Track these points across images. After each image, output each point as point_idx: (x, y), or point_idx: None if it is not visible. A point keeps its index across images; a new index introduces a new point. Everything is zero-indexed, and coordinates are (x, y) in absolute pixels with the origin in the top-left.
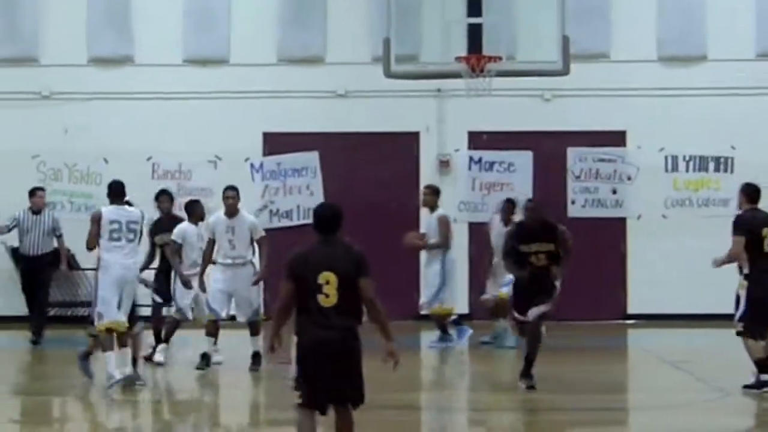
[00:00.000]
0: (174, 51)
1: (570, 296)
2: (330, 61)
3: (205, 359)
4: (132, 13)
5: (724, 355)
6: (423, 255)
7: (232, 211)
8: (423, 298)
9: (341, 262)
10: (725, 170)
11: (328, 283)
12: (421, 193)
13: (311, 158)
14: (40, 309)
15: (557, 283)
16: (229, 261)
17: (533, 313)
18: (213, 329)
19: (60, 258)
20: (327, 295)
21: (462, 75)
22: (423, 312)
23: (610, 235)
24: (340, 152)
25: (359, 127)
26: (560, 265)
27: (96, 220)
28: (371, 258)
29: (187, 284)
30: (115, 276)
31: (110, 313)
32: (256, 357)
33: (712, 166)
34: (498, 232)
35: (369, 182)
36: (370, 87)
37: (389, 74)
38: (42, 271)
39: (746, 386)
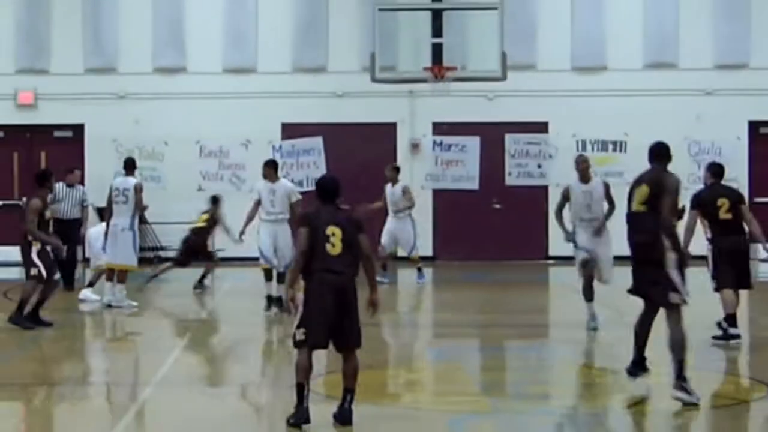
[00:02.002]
0: (215, 62)
1: (507, 242)
2: (331, 70)
3: (270, 302)
4: (185, 34)
5: (623, 287)
6: (390, 217)
7: (272, 179)
8: (405, 248)
9: (344, 221)
10: (621, 150)
11: (334, 235)
12: (386, 171)
13: (317, 142)
14: (71, 260)
15: None
16: (272, 217)
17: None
18: (268, 275)
19: (82, 223)
20: (333, 245)
21: (428, 80)
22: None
23: (536, 198)
24: (338, 138)
25: (352, 119)
26: None
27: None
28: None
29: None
30: None
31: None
32: (279, 300)
33: (611, 147)
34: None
35: (359, 160)
36: (360, 89)
37: (374, 80)
38: (72, 231)
39: (714, 337)
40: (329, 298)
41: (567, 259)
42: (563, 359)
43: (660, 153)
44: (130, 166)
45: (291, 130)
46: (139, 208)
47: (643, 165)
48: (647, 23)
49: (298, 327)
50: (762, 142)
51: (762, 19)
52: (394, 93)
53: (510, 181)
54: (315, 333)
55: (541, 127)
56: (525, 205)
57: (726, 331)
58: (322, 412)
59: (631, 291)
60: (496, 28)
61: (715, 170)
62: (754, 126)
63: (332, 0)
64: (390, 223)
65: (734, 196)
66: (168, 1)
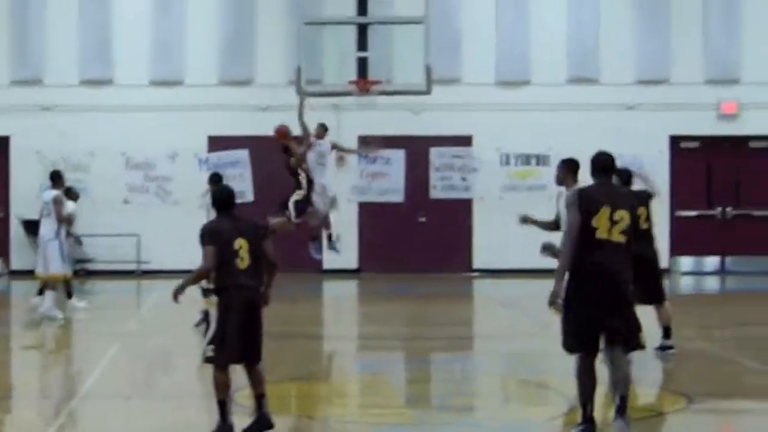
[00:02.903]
0: (142, 75)
1: (432, 255)
2: (257, 83)
3: None
4: (112, 46)
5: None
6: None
7: None
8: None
9: (248, 231)
10: (544, 164)
11: (242, 248)
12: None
13: (243, 155)
14: None
15: None
16: None
17: None
18: None
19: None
20: (242, 259)
21: (353, 94)
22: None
23: (460, 211)
24: (264, 151)
25: None
26: None
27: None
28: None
29: None
30: None
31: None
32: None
33: (534, 161)
34: None
35: (285, 173)
36: (286, 102)
37: (300, 93)
38: None
39: (657, 348)
40: (243, 314)
41: (491, 272)
42: (487, 371)
43: (612, 165)
44: (54, 178)
45: (217, 143)
46: (58, 221)
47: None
48: (570, 38)
49: (209, 343)
50: (683, 156)
51: (682, 35)
52: (319, 106)
53: (435, 194)
54: (230, 350)
55: (466, 141)
56: (450, 218)
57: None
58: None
59: (583, 337)
60: (420, 42)
61: (623, 177)
62: (675, 140)
63: (259, 13)
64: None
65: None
66: (95, 13)
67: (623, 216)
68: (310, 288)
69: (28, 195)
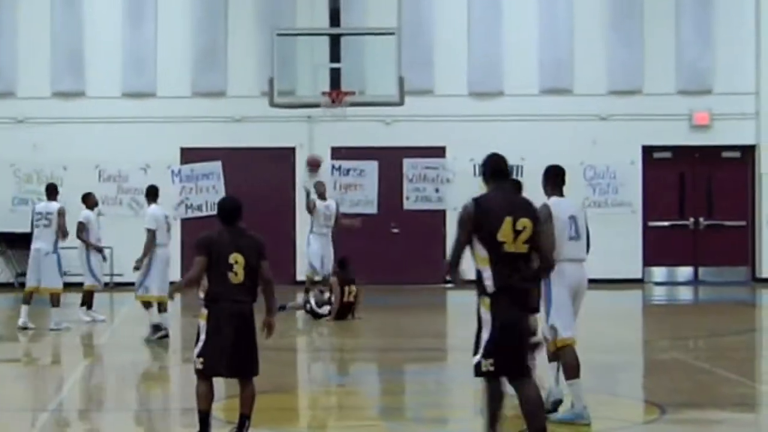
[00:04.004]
0: (114, 87)
1: (405, 266)
2: (230, 95)
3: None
4: (84, 58)
5: None
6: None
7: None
8: (327, 268)
9: (246, 247)
10: (517, 175)
11: (237, 263)
12: (317, 186)
13: (216, 166)
14: None
15: None
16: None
17: None
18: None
19: None
20: (236, 273)
21: (326, 105)
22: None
23: (434, 222)
24: (238, 162)
25: (251, 143)
26: None
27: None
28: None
29: None
30: None
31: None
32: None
33: None
34: None
35: (258, 183)
36: (259, 114)
37: (273, 104)
38: None
39: None
40: (231, 327)
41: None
42: (461, 382)
43: (507, 168)
44: (52, 191)
45: (190, 155)
46: (62, 232)
47: (541, 189)
48: (543, 49)
49: (198, 356)
50: (655, 166)
51: (655, 45)
52: (292, 118)
53: (408, 205)
54: (215, 362)
55: (439, 152)
56: (423, 229)
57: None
58: None
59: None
60: (393, 53)
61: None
62: (647, 150)
63: (231, 25)
64: (317, 242)
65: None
66: (67, 25)
67: (526, 224)
68: (282, 299)
69: (1, 207)
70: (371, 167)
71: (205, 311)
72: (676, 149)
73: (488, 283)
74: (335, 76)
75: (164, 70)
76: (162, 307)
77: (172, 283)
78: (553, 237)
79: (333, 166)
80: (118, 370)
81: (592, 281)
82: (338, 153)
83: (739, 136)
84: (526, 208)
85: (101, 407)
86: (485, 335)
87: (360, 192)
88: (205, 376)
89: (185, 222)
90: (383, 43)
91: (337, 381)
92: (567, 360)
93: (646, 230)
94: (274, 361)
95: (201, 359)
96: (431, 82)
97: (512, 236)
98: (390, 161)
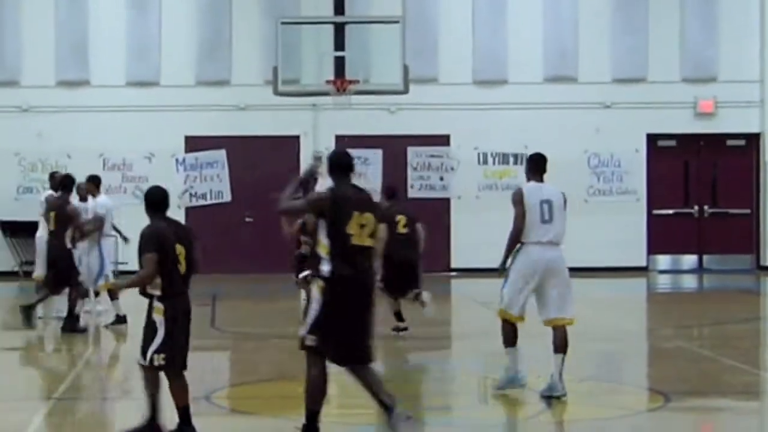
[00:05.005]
0: (119, 76)
1: None
2: (234, 83)
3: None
4: (88, 47)
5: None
6: None
7: None
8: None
9: (184, 236)
10: (521, 163)
11: (181, 254)
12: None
13: (220, 155)
14: None
15: None
16: None
17: None
18: None
19: None
20: (181, 264)
21: (330, 93)
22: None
23: (438, 210)
24: (242, 151)
25: (255, 132)
26: None
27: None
28: (261, 227)
29: None
30: None
31: None
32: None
33: (511, 160)
34: None
35: (262, 172)
36: (263, 102)
37: (277, 93)
38: None
39: (394, 329)
40: (185, 320)
41: (469, 271)
42: (465, 370)
43: (352, 164)
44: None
45: (194, 143)
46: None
47: (545, 177)
48: (547, 37)
49: (158, 352)
50: (660, 154)
51: (659, 33)
52: (297, 106)
53: (412, 193)
54: (179, 357)
55: (443, 140)
56: (427, 217)
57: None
58: (224, 425)
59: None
60: (397, 41)
61: (390, 192)
62: (652, 138)
63: (235, 13)
64: None
65: (411, 214)
66: (71, 14)
67: (369, 219)
68: (288, 288)
69: (5, 196)
70: (376, 155)
71: (161, 306)
72: (680, 137)
73: (325, 268)
74: (340, 64)
75: (168, 58)
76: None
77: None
78: (521, 219)
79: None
80: (122, 358)
81: (596, 269)
82: (342, 141)
83: (744, 124)
84: (370, 204)
85: (104, 395)
86: (312, 314)
87: (364, 180)
88: (174, 372)
89: (190, 210)
90: (388, 32)
91: (341, 368)
92: (505, 330)
93: (651, 218)
94: (278, 348)
95: (162, 355)
96: (435, 71)
97: (358, 230)
98: (394, 149)
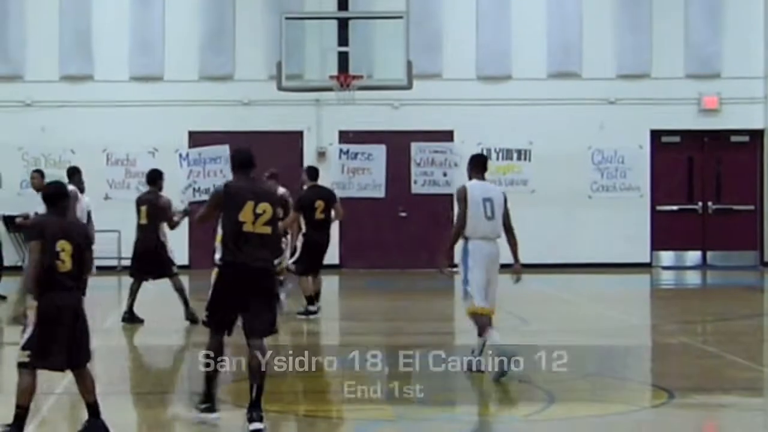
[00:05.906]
0: (122, 70)
1: (412, 250)
2: (237, 78)
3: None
4: (92, 42)
5: (533, 295)
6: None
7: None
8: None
9: (75, 234)
10: (525, 159)
11: (64, 250)
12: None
13: (224, 150)
14: None
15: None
16: None
17: None
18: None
19: None
20: (63, 261)
21: (334, 89)
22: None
23: (442, 206)
24: (245, 145)
25: (259, 127)
26: None
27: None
28: None
29: None
30: None
31: None
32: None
33: (515, 155)
34: None
35: (266, 167)
36: (266, 97)
37: (281, 88)
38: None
39: (299, 313)
40: (62, 317)
41: None
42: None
43: (251, 161)
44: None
45: (198, 138)
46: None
47: (548, 173)
48: (551, 33)
49: (24, 348)
50: (663, 150)
51: (663, 29)
52: (300, 101)
53: (416, 189)
54: (53, 356)
55: (447, 136)
56: (431, 213)
57: (307, 309)
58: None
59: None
60: (401, 36)
61: (311, 173)
62: (655, 135)
63: (239, 8)
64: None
65: (331, 197)
66: (75, 9)
67: (266, 208)
68: (291, 284)
69: (9, 191)
70: (379, 151)
71: (33, 302)
72: (684, 133)
73: (217, 255)
74: (343, 59)
75: (172, 53)
76: None
77: None
78: (464, 215)
79: (341, 150)
80: (126, 353)
81: (599, 265)
82: (346, 137)
83: (747, 120)
84: (267, 195)
85: (107, 390)
86: (208, 298)
87: (368, 176)
88: (29, 369)
89: (193, 205)
90: (391, 27)
91: (344, 364)
92: (479, 322)
93: (654, 214)
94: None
95: (28, 351)
96: (439, 66)
97: (252, 217)
98: (398, 145)
